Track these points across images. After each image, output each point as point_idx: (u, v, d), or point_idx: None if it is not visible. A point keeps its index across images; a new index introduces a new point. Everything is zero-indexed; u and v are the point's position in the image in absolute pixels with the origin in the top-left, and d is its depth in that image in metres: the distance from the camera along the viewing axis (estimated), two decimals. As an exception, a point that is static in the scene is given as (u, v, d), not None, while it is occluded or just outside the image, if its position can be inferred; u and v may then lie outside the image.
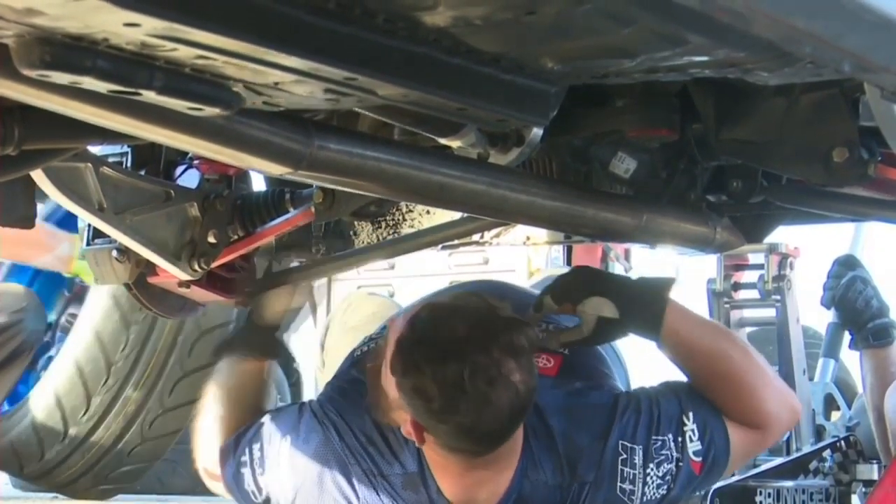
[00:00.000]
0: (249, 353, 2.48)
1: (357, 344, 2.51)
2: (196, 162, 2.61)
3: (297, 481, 2.26)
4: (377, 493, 2.21)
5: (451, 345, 1.97)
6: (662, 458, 2.16)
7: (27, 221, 2.57)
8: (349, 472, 2.22)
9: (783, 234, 3.32)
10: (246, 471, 2.33)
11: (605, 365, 2.39)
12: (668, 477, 2.17)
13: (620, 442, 2.17)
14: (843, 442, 3.31)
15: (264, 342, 2.50)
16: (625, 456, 2.16)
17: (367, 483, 2.21)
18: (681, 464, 2.17)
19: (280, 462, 2.29)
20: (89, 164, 2.29)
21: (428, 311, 2.07)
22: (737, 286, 3.68)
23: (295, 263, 3.04)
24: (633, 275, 5.91)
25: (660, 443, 2.17)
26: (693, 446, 2.17)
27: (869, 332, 3.17)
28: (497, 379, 1.96)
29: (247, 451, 2.34)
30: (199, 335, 4.20)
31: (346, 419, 2.25)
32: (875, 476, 3.18)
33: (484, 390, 1.95)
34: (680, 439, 2.17)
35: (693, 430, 2.17)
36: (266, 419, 2.37)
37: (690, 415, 2.19)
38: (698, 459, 2.18)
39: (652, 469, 2.16)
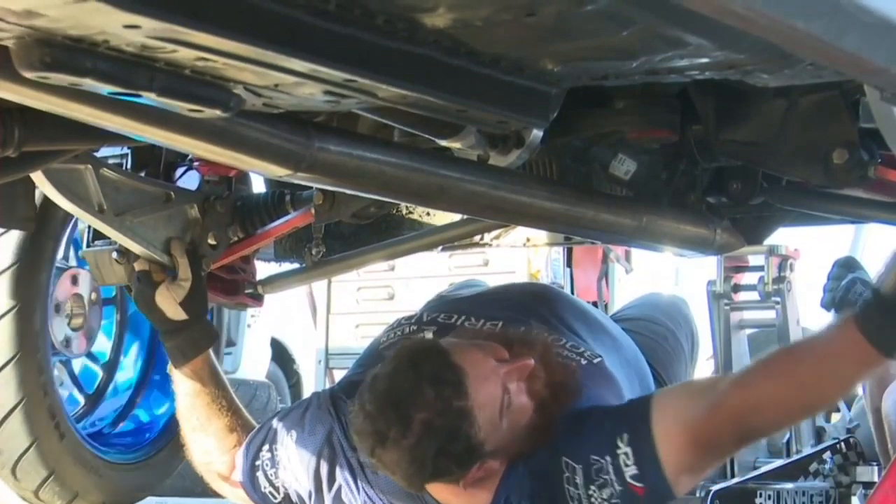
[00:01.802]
0: (182, 358, 2.46)
1: (386, 328, 2.54)
2: (196, 164, 2.61)
3: (310, 474, 2.31)
4: (371, 487, 2.26)
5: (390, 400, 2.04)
6: (603, 481, 2.07)
7: (27, 223, 2.58)
8: (352, 465, 2.27)
9: (783, 236, 3.33)
10: (259, 474, 2.38)
11: (609, 388, 2.32)
12: (614, 500, 2.08)
13: (564, 458, 2.11)
14: (842, 444, 3.31)
15: (185, 340, 2.45)
16: (568, 474, 2.10)
17: (363, 476, 2.26)
18: (621, 488, 2.07)
19: (291, 458, 2.34)
20: (89, 166, 2.28)
21: (390, 360, 2.11)
22: (737, 288, 3.68)
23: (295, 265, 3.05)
24: (633, 276, 5.94)
25: (599, 465, 2.08)
26: (629, 471, 2.06)
27: (869, 334, 3.16)
28: (388, 443, 2.03)
29: (259, 454, 2.39)
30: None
31: None
32: (875, 478, 3.18)
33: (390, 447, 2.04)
34: (616, 463, 2.07)
35: (627, 454, 2.05)
36: (274, 420, 2.41)
37: (625, 437, 2.06)
38: (639, 484, 2.06)
39: (594, 492, 2.08)
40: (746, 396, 2.04)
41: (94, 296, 2.90)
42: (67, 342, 2.87)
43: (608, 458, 2.07)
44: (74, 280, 2.86)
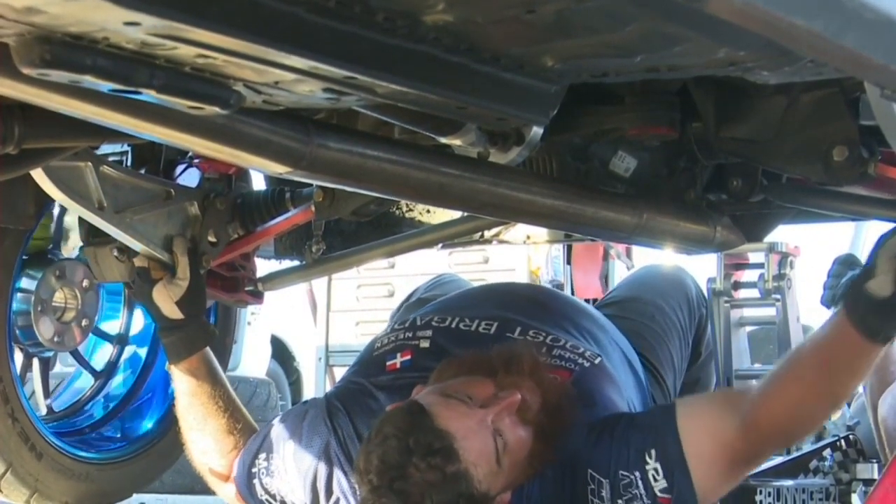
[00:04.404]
0: (177, 356, 2.46)
1: (382, 332, 2.52)
2: (196, 161, 2.62)
3: (306, 486, 2.30)
4: None
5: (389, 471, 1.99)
6: (631, 495, 2.09)
7: (28, 220, 2.57)
8: (349, 479, 2.25)
9: (783, 233, 3.32)
10: (256, 481, 2.38)
11: (615, 389, 2.33)
12: None
13: (589, 471, 2.12)
14: (843, 441, 3.31)
15: (180, 339, 2.45)
16: (593, 486, 2.11)
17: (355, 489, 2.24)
18: (650, 501, 2.09)
19: (287, 468, 2.34)
20: (89, 163, 2.28)
21: (377, 433, 2.04)
22: (737, 285, 3.68)
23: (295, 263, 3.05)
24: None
25: (627, 480, 2.10)
26: (658, 485, 2.08)
27: (869, 332, 3.15)
28: None
29: (255, 461, 2.39)
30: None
31: (354, 423, 2.28)
32: (875, 475, 3.18)
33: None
34: (645, 478, 2.09)
35: (657, 469, 2.08)
36: (273, 425, 2.41)
37: (653, 452, 2.09)
38: (667, 496, 2.09)
39: None
40: (772, 412, 2.07)
41: (86, 282, 2.86)
42: (59, 337, 2.84)
43: (637, 474, 2.09)
44: (61, 273, 2.82)
